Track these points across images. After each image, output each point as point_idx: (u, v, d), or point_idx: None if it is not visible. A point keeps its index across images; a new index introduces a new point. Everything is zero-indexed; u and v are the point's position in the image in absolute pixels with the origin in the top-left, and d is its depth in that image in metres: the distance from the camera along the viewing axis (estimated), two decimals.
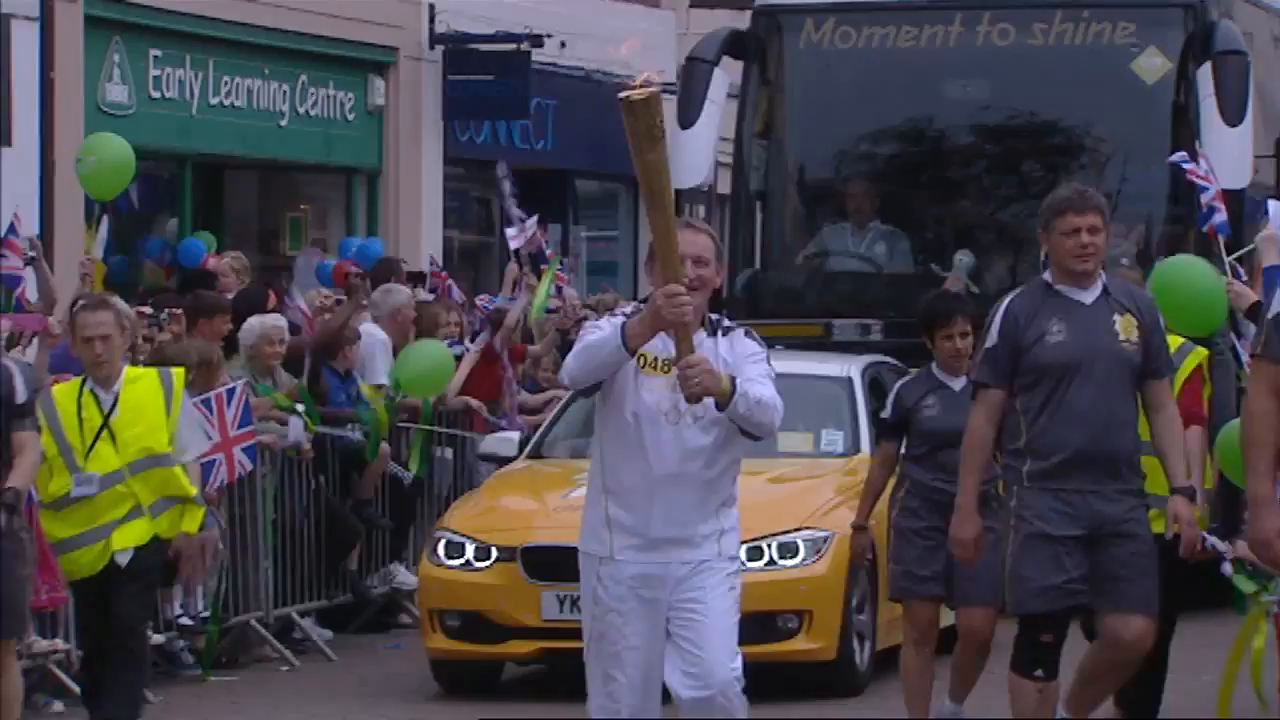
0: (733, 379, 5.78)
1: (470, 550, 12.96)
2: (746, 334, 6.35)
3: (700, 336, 5.89)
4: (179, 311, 14.98)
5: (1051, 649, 7.65)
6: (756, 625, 11.48)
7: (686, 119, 16.48)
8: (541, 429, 15.20)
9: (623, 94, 5.57)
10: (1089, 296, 7.82)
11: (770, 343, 10.32)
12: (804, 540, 12.71)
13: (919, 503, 9.84)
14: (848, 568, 12.70)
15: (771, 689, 11.73)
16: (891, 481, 10.49)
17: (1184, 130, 16.04)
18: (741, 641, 9.76)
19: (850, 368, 14.70)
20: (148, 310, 15.35)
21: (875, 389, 14.16)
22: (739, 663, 6.20)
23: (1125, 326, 7.79)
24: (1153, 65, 16.24)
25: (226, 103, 22.70)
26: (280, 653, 14.17)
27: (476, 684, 13.33)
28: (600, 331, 6.01)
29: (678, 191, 17.45)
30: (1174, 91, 16.28)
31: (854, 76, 17.40)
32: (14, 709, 8.57)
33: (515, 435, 15.37)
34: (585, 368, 6.00)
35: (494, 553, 12.76)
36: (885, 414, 10.52)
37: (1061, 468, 7.55)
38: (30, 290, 14.50)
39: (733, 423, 5.99)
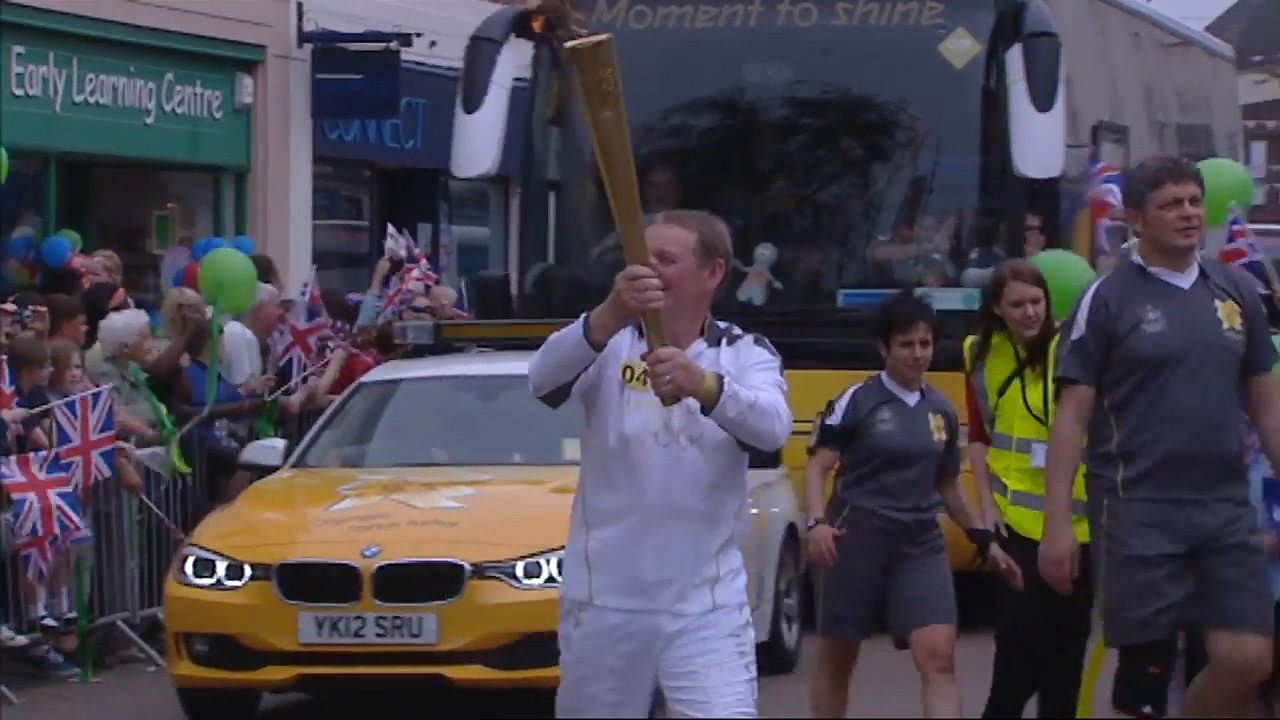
0: (720, 378, 5.00)
1: (221, 568, 11.99)
2: (757, 340, 5.43)
3: (699, 347, 5.16)
4: (43, 309, 14.96)
5: (1159, 680, 7.04)
6: (531, 647, 11.81)
7: (470, 103, 16.50)
8: (307, 436, 14.30)
9: (569, 43, 4.88)
10: (1186, 280, 7.12)
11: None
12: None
13: (859, 536, 9.16)
14: (778, 564, 13.84)
15: (546, 704, 11.40)
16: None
17: (994, 117, 16.03)
18: (504, 661, 11.47)
19: None
20: (10, 308, 15.25)
21: None
22: None
23: (1228, 313, 7.04)
24: (961, 48, 15.99)
25: (91, 100, 22.76)
26: (146, 653, 14.07)
27: (230, 715, 12.65)
28: (559, 334, 5.22)
29: (460, 179, 17.33)
30: (984, 76, 16.09)
31: (651, 59, 16.36)
32: None
33: (280, 444, 14.48)
34: (546, 367, 5.15)
35: (247, 570, 11.80)
36: (834, 420, 9.44)
37: (1159, 472, 6.79)
38: None
39: (728, 433, 5.14)
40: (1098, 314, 6.94)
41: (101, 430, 13.29)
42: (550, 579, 11.84)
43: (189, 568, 12.12)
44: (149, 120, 23.65)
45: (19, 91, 22.19)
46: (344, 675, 12.14)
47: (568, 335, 4.90)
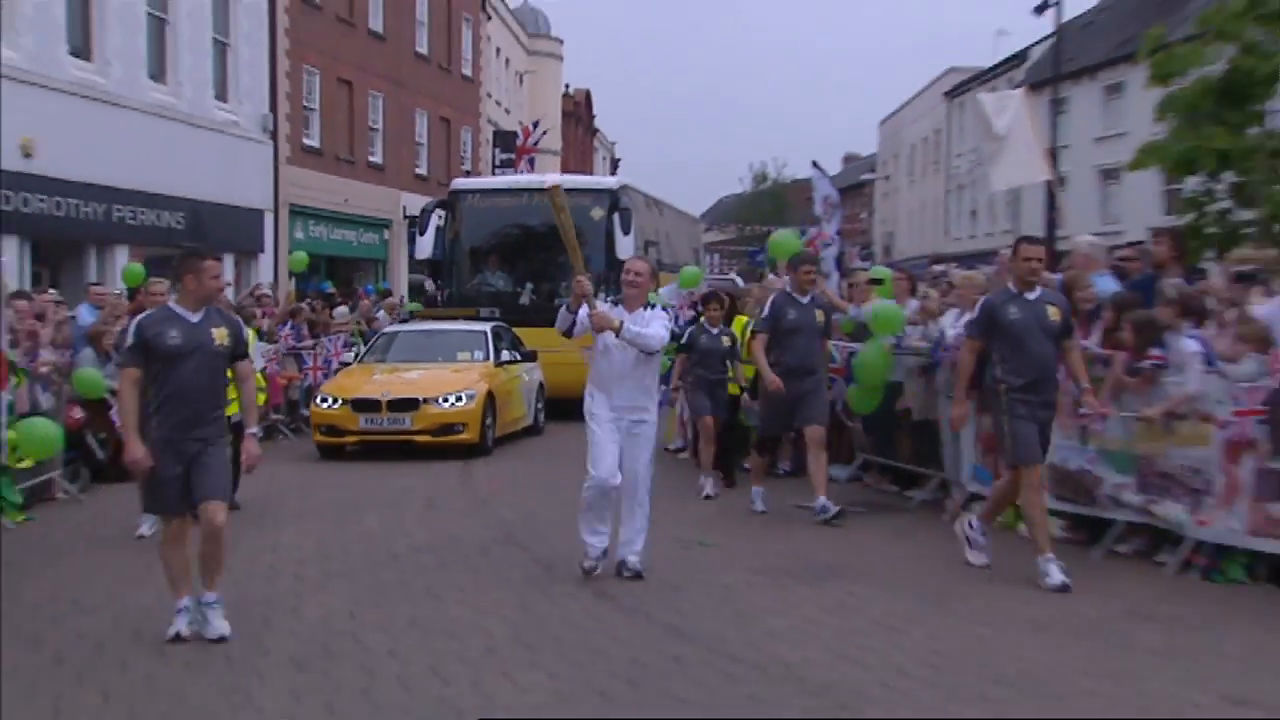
0: (621, 323, 10.56)
1: (331, 399, 19.94)
2: (661, 309, 11.39)
3: (642, 311, 10.91)
4: None
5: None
6: (447, 428, 20.18)
7: (423, 230, 27.17)
8: (361, 351, 23.63)
9: (548, 187, 11.52)
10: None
11: (455, 318, 24.59)
12: (466, 393, 20.32)
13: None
14: (484, 403, 20.50)
15: (454, 452, 19.80)
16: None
17: (611, 243, 25.51)
18: (437, 434, 20.36)
19: (486, 326, 23.28)
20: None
21: (496, 336, 22.76)
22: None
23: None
24: (599, 212, 26.04)
25: None
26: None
27: (334, 452, 20.14)
28: (565, 313, 10.90)
29: (418, 259, 29.49)
30: (608, 226, 25.73)
31: (485, 216, 27.61)
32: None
33: (353, 353, 24.06)
34: (560, 326, 10.94)
35: (340, 400, 19.84)
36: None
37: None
38: None
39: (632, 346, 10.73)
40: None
41: None
42: (455, 401, 20.16)
43: (318, 399, 20.71)
44: None
45: None
46: (375, 440, 20.05)
47: (564, 315, 10.92)
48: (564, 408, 22.14)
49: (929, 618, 9.56)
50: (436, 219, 26.74)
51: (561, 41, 69.09)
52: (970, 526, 11.34)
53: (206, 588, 8.84)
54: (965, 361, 11.11)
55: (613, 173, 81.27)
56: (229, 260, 29.11)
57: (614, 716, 7.20)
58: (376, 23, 40.91)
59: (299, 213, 35.17)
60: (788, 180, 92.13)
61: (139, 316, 9.30)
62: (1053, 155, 31.46)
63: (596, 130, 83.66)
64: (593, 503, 10.74)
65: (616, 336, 10.41)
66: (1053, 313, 10.88)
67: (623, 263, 22.23)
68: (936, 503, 14.36)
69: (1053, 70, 35.53)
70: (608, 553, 10.93)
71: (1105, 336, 12.23)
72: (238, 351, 9.20)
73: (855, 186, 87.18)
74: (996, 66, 61.18)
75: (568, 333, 10.87)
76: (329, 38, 37.32)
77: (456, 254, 27.04)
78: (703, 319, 16.44)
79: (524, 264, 27.11)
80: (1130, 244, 18.38)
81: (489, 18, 52.88)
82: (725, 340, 16.09)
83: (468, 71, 49.87)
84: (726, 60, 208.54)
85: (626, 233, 25.02)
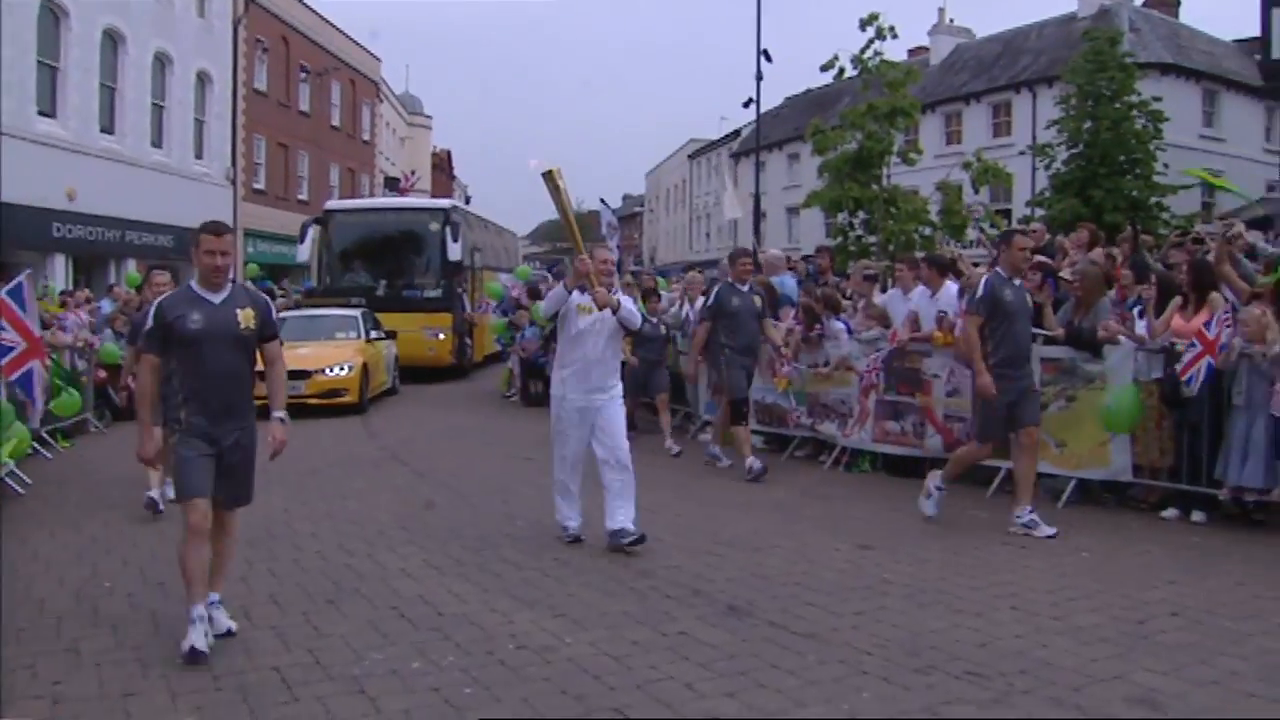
0: (619, 300, 7.90)
1: None
2: (627, 291, 9.56)
3: (617, 292, 8.19)
4: None
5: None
6: (334, 392, 17.36)
7: (301, 240, 23.79)
8: None
9: (540, 170, 7.73)
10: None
11: (332, 304, 21.03)
12: (347, 364, 17.82)
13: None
14: (361, 372, 17.80)
15: (340, 410, 17.23)
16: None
17: (444, 248, 22.87)
18: (325, 397, 16.95)
19: (357, 312, 20.23)
20: None
21: (365, 320, 19.76)
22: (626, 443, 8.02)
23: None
24: (436, 225, 23.29)
25: None
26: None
27: None
28: (549, 293, 8.28)
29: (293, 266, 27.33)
30: (442, 235, 22.90)
31: (350, 229, 24.18)
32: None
33: None
34: (550, 309, 8.05)
35: None
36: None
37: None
38: None
39: (619, 323, 7.91)
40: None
41: None
42: (339, 370, 17.52)
43: None
44: None
45: None
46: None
47: (554, 293, 8.06)
48: (412, 374, 21.96)
49: (676, 503, 9.62)
50: (313, 232, 23.86)
51: (431, 116, 68.42)
52: (936, 487, 8.78)
53: (213, 588, 5.95)
54: (973, 336, 8.36)
55: (466, 204, 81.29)
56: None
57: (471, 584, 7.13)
58: (304, 105, 40.70)
59: (251, 234, 34.81)
60: (585, 210, 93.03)
61: (160, 298, 5.99)
62: (756, 199, 32.80)
63: (455, 177, 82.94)
64: (563, 491, 8.12)
65: (614, 314, 7.76)
66: (1030, 298, 8.89)
67: (455, 263, 23.14)
68: (682, 427, 14.46)
69: (755, 143, 36.01)
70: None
71: (798, 314, 12.36)
72: (266, 333, 6.02)
73: (631, 215, 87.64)
74: (720, 139, 61.52)
75: (554, 315, 8.06)
76: (272, 115, 37.43)
77: (329, 258, 24.10)
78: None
79: (379, 264, 24.06)
80: (805, 257, 18.94)
81: (381, 101, 52.22)
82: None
83: (366, 137, 49.05)
84: (547, 127, 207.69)
85: (455, 241, 22.78)
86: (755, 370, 11.65)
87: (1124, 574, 7.16)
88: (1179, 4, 42.88)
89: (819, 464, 11.66)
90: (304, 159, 40.72)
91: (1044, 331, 9.78)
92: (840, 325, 11.74)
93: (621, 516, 7.83)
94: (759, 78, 30.03)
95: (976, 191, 26.77)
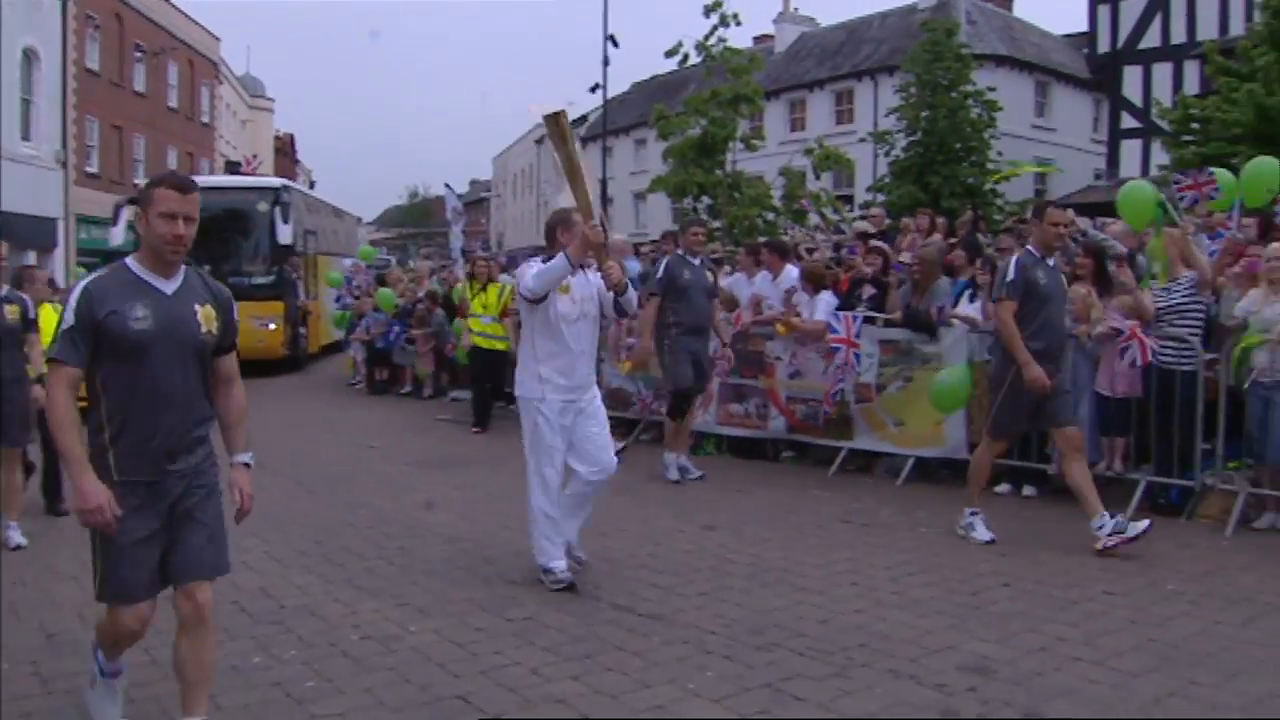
0: (628, 280, 6.46)
1: None
2: (595, 269, 6.49)
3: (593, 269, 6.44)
4: None
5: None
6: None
7: (115, 222, 20.83)
8: None
9: (544, 112, 6.05)
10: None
11: None
12: (270, 328, 20.09)
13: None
14: (284, 335, 20.54)
15: (276, 366, 19.89)
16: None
17: (273, 229, 21.45)
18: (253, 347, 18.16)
19: None
20: None
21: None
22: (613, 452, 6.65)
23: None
24: (264, 205, 21.68)
25: None
26: None
27: None
28: (545, 265, 6.30)
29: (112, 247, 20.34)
30: (271, 217, 21.41)
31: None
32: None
33: None
34: (547, 284, 6.25)
35: None
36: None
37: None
38: None
39: (617, 303, 6.43)
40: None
41: None
42: (264, 328, 20.30)
43: None
44: None
45: None
46: None
47: (558, 266, 6.21)
48: (243, 367, 20.16)
49: (522, 487, 9.58)
50: (127, 213, 20.78)
51: (273, 99, 66.23)
52: (969, 517, 7.80)
53: (188, 713, 4.16)
54: (1011, 324, 7.30)
55: (310, 189, 79.62)
56: (30, 256, 26.43)
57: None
58: (140, 85, 38.92)
59: (84, 220, 33.35)
60: (433, 195, 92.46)
61: (86, 280, 4.04)
62: (603, 184, 32.88)
63: (299, 161, 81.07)
64: (548, 524, 6.57)
65: (621, 295, 6.37)
66: (1063, 281, 7.91)
67: (287, 247, 21.65)
68: None
69: (603, 129, 36.13)
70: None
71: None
72: (225, 341, 4.23)
73: (478, 201, 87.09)
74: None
75: (543, 296, 6.37)
76: (105, 96, 35.66)
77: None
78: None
79: (202, 248, 21.30)
80: (653, 242, 18.93)
81: (221, 82, 50.44)
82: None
83: (206, 119, 47.31)
84: (392, 111, 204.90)
85: (285, 222, 21.42)
86: (707, 356, 10.29)
87: (959, 548, 7.43)
88: None
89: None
90: (139, 142, 39.03)
91: (882, 315, 10.09)
92: None
93: (571, 529, 6.76)
94: (605, 63, 30.23)
95: (818, 178, 27.34)
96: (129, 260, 4.08)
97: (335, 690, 4.88)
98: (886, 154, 32.63)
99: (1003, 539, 7.68)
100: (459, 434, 13.30)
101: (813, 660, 5.22)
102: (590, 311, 6.57)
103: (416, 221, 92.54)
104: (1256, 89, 20.87)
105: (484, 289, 13.69)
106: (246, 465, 4.28)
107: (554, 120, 6.00)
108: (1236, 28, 27.51)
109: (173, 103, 42.85)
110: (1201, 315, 8.51)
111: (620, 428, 12.46)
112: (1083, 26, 34.93)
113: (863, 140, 33.79)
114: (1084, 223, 10.70)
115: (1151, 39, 31.10)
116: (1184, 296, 8.48)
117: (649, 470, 10.31)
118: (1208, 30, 28.90)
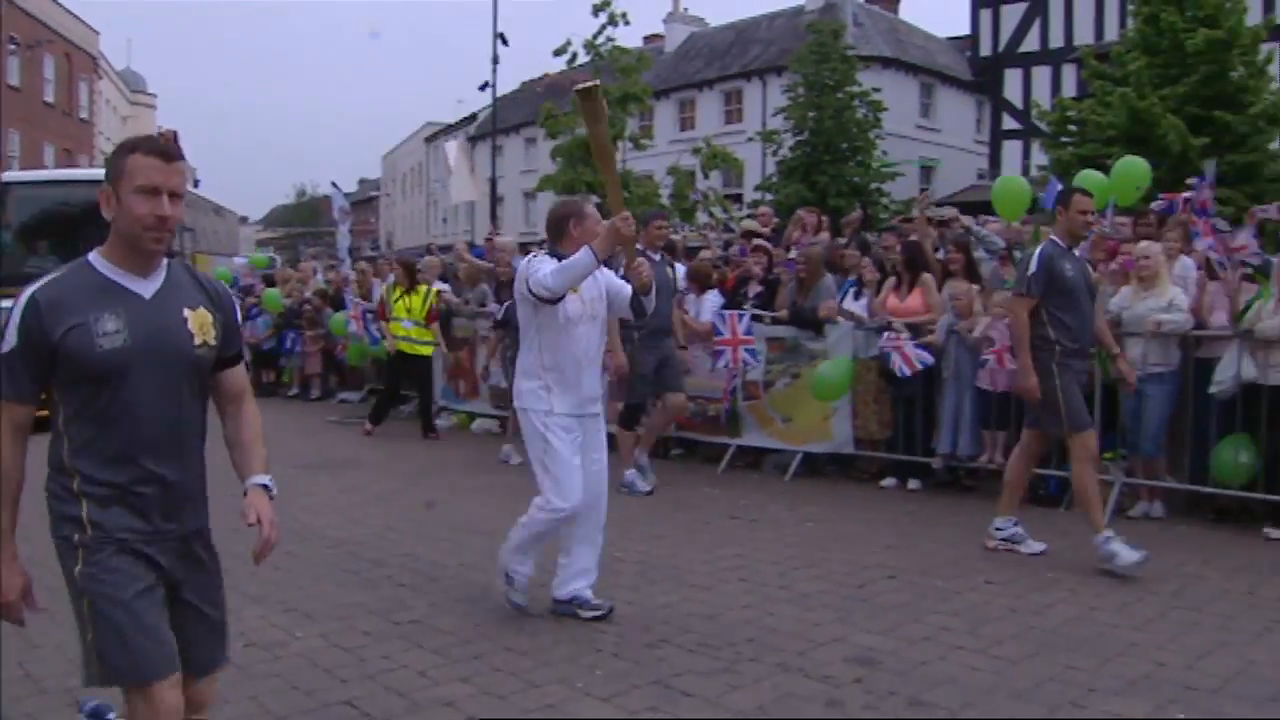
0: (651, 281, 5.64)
1: None
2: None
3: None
4: None
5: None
6: None
7: None
8: None
9: (577, 86, 5.34)
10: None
11: (7, 294, 14.95)
12: None
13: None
14: None
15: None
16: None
17: None
18: None
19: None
20: None
21: None
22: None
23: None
24: None
25: None
26: None
27: None
28: (568, 260, 5.44)
29: None
30: None
31: (30, 206, 19.66)
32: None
33: None
34: (569, 281, 5.48)
35: None
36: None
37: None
38: None
39: (636, 302, 5.76)
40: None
41: None
42: None
43: None
44: None
45: None
46: None
47: (582, 261, 5.39)
48: None
49: (410, 490, 9.50)
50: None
51: (155, 95, 64.55)
52: (998, 530, 7.37)
53: None
54: (1023, 322, 6.85)
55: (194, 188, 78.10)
56: None
57: None
58: (14, 79, 37.72)
59: None
60: (321, 194, 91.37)
61: (34, 288, 3.04)
62: (493, 183, 32.70)
63: (182, 158, 79.29)
64: (548, 534, 6.00)
65: (646, 293, 5.67)
66: (1090, 272, 7.33)
67: None
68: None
69: (492, 127, 35.90)
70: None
71: None
72: (228, 351, 3.32)
73: (367, 200, 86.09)
74: (457, 123, 60.95)
75: (561, 296, 5.57)
76: None
77: (6, 238, 20.09)
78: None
79: (69, 245, 17.74)
80: (540, 242, 18.74)
81: (100, 77, 49.20)
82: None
83: (84, 115, 46.15)
84: (279, 108, 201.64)
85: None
86: (676, 355, 9.70)
87: (846, 541, 7.54)
88: (899, 1, 45.54)
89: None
90: (14, 138, 37.84)
91: (768, 313, 10.21)
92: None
93: (583, 581, 6.01)
94: (495, 61, 30.10)
95: (707, 176, 27.55)
96: (92, 257, 3.10)
97: (220, 699, 4.76)
98: (774, 153, 32.96)
99: (888, 532, 7.82)
100: (348, 436, 13.08)
101: (701, 656, 5.24)
102: (599, 313, 5.87)
103: (304, 221, 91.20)
104: (1129, 93, 21.59)
105: (409, 292, 13.01)
106: (266, 489, 3.40)
107: (588, 96, 5.32)
108: (1111, 33, 28.41)
109: (49, 97, 41.69)
110: None
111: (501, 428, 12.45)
112: (966, 30, 35.80)
113: (750, 140, 34.14)
114: (967, 220, 10.95)
115: (1031, 43, 31.99)
116: None
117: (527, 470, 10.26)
118: (1084, 35, 29.83)
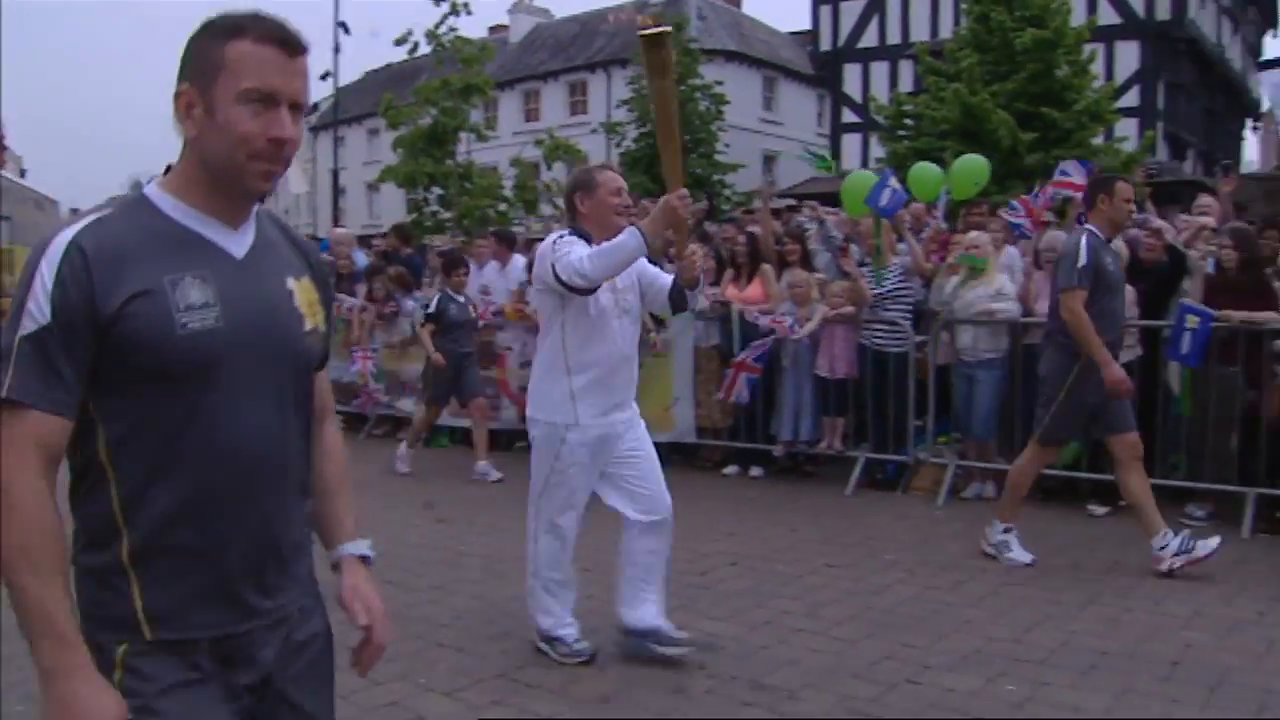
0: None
1: None
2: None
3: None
4: None
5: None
6: None
7: None
8: None
9: (640, 30, 4.11)
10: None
11: None
12: None
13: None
14: None
15: None
16: None
17: None
18: None
19: None
20: None
21: None
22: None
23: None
24: None
25: None
26: None
27: None
28: (609, 243, 4.50)
29: None
30: None
31: None
32: None
33: None
34: (610, 269, 4.53)
35: None
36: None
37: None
38: None
39: (678, 295, 4.93)
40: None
41: None
42: None
43: None
44: None
45: None
46: None
47: (627, 246, 4.43)
48: None
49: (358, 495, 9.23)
50: None
51: None
52: (999, 533, 6.82)
53: None
54: (1085, 316, 6.20)
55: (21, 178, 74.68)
56: None
57: None
58: None
59: None
60: None
61: (76, 228, 1.79)
62: (335, 175, 32.05)
63: (7, 148, 75.85)
64: (555, 585, 5.19)
65: (693, 287, 4.89)
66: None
67: None
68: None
69: (334, 118, 35.28)
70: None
71: (368, 293, 12.15)
72: (327, 346, 2.13)
73: None
74: None
75: (587, 287, 4.62)
76: None
77: None
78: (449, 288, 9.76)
79: None
80: (383, 235, 18.55)
81: None
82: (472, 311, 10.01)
83: None
84: (113, 96, 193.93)
85: None
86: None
87: (689, 530, 7.52)
88: None
89: (397, 441, 11.49)
90: None
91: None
92: (413, 303, 11.66)
93: (654, 609, 5.10)
94: (336, 50, 29.38)
95: (550, 168, 27.51)
96: (152, 191, 1.97)
97: None
98: (618, 145, 33.13)
99: (730, 519, 7.92)
100: None
101: (545, 649, 5.21)
102: (631, 306, 4.97)
103: None
104: (961, 89, 22.31)
105: None
106: (365, 561, 2.31)
107: (654, 45, 4.13)
108: (946, 31, 29.30)
109: None
110: (912, 300, 8.98)
111: (352, 422, 12.26)
112: (807, 25, 36.47)
113: (594, 131, 34.24)
114: (824, 211, 11.16)
115: (870, 39, 32.81)
116: (895, 282, 8.92)
117: (381, 464, 10.12)
118: (920, 32, 30.71)
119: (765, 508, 8.36)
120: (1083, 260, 6.24)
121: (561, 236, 4.73)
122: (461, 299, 9.88)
